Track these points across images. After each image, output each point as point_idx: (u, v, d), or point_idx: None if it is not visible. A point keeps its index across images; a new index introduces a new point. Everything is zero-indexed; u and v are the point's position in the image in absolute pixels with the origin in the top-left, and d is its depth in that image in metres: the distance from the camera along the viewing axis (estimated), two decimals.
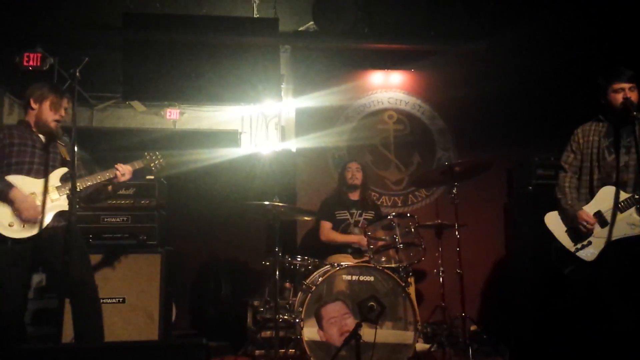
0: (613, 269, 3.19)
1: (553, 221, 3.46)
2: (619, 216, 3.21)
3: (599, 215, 3.30)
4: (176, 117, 6.15)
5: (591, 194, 3.37)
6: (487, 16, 5.32)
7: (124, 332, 3.82)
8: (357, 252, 4.30)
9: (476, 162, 4.18)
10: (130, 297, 3.92)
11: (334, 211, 4.52)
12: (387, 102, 5.55)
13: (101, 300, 3.18)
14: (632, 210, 3.20)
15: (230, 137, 5.97)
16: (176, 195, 4.96)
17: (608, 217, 3.24)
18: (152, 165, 3.41)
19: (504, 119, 5.31)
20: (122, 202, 4.17)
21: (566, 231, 3.39)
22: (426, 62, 5.53)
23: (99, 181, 3.19)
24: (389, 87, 5.58)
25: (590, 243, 3.29)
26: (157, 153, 3.43)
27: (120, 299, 3.91)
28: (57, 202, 3.08)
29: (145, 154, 3.41)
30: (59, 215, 3.08)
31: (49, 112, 3.15)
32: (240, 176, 5.35)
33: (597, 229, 3.28)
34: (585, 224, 3.27)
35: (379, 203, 5.10)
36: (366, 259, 3.86)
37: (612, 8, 4.68)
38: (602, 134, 3.39)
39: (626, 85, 3.29)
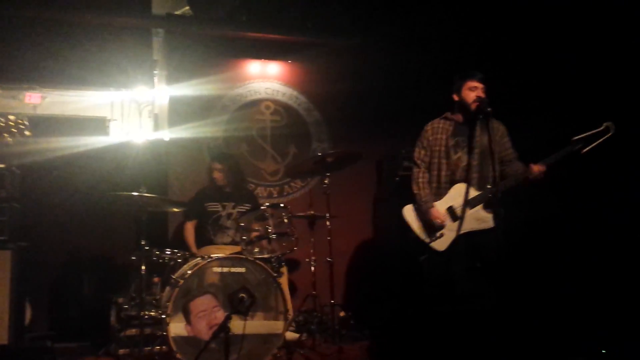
0: (463, 257, 3.47)
1: (410, 214, 3.70)
2: (469, 212, 3.48)
3: (450, 210, 3.56)
4: (37, 101, 5.65)
5: (439, 188, 3.63)
6: (361, 13, 5.49)
7: None
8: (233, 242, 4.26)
9: (347, 152, 4.32)
10: None
11: (204, 203, 4.43)
12: (264, 92, 5.53)
13: None
14: (480, 207, 3.50)
15: (98, 125, 5.59)
16: (35, 187, 4.57)
17: (459, 212, 3.52)
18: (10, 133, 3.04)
19: (375, 113, 5.51)
20: None
21: (421, 224, 3.63)
22: (303, 55, 5.58)
23: None
24: (266, 77, 5.55)
25: (442, 235, 3.55)
26: (17, 119, 3.08)
27: None
28: None
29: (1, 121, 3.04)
30: None
31: None
32: (109, 166, 5.03)
33: (449, 222, 3.55)
34: (436, 221, 3.52)
35: (255, 193, 5.06)
36: (239, 249, 3.82)
37: (477, 13, 5.03)
38: (448, 132, 3.65)
39: (479, 85, 3.57)
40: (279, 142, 5.45)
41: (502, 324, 3.10)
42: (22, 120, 3.09)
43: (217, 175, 4.45)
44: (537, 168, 3.39)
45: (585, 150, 3.33)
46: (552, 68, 4.52)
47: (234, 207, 4.41)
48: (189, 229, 4.47)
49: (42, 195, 4.66)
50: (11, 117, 3.05)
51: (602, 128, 3.32)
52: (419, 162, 3.71)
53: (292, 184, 5.41)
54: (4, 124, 3.01)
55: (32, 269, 4.03)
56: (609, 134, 3.31)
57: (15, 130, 3.06)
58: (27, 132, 3.16)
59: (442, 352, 3.19)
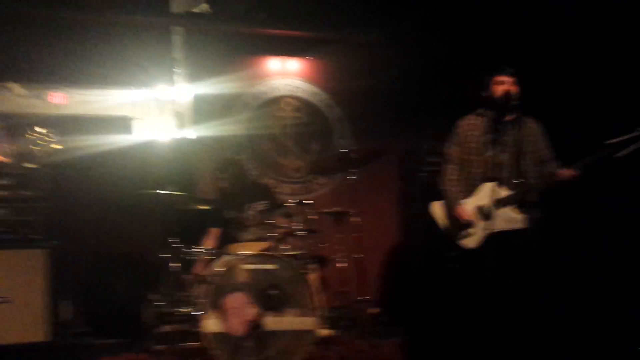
0: (491, 257, 3.45)
1: (438, 210, 3.68)
2: (498, 211, 3.43)
3: (480, 209, 3.51)
4: (61, 101, 5.71)
5: (472, 186, 3.58)
6: (380, 8, 5.47)
7: (8, 334, 3.54)
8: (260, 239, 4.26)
9: (371, 149, 4.32)
10: (13, 297, 3.61)
11: (222, 212, 4.36)
12: (285, 89, 5.55)
13: None
14: (510, 207, 3.45)
15: (121, 124, 5.63)
16: (64, 186, 4.62)
17: (488, 212, 3.47)
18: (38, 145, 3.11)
19: (396, 108, 5.48)
20: (0, 193, 3.83)
21: (449, 221, 3.62)
22: (322, 51, 5.58)
23: None
24: (286, 74, 5.56)
25: (470, 234, 3.53)
26: (45, 132, 3.15)
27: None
28: None
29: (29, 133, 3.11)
30: None
31: None
32: (135, 165, 5.07)
33: (478, 221, 3.51)
34: (464, 220, 3.50)
35: (278, 191, 5.07)
36: (267, 246, 3.85)
37: (504, 6, 4.97)
38: (482, 129, 3.60)
39: (507, 79, 3.53)
40: (301, 139, 5.47)
41: (536, 323, 3.09)
42: (49, 134, 3.14)
43: (222, 184, 4.40)
44: (567, 172, 3.35)
45: (619, 154, 3.27)
46: (587, 67, 4.44)
47: (249, 208, 4.40)
48: (211, 236, 4.37)
49: (72, 194, 4.71)
50: (39, 130, 3.11)
51: (637, 134, 3.27)
52: (450, 158, 3.69)
53: (316, 181, 5.43)
54: (31, 136, 3.07)
55: (65, 267, 4.09)
56: None
57: (43, 142, 3.11)
58: (53, 145, 3.21)
59: (475, 347, 3.21)
